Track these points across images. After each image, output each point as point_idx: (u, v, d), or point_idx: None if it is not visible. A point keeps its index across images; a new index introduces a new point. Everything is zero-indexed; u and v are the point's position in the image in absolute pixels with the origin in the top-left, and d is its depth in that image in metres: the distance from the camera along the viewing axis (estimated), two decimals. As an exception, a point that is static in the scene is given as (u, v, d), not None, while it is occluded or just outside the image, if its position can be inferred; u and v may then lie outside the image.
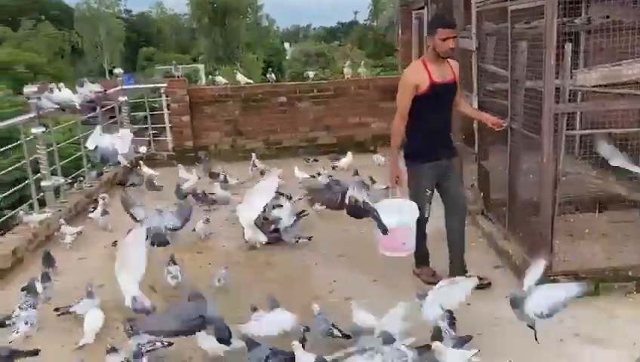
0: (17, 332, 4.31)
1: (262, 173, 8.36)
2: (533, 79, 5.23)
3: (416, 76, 4.76)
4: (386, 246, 4.95)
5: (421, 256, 5.30)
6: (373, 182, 7.93)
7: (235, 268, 5.58)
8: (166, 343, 4.00)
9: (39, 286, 4.79)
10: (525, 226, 5.53)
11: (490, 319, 4.55)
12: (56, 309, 4.71)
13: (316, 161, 9.33)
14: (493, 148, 6.41)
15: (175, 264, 5.14)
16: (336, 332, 4.24)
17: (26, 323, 4.38)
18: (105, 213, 6.73)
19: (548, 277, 4.72)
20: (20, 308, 4.50)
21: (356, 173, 8.15)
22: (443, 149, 5.03)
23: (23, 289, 4.89)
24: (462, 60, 6.98)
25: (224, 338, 3.90)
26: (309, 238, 6.32)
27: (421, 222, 4.98)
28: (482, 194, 6.34)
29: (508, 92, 5.55)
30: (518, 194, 5.65)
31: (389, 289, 5.13)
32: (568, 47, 4.66)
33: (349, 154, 9.26)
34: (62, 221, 6.36)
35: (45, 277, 4.98)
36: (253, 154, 9.27)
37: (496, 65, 6.06)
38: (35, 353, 4.03)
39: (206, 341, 4.01)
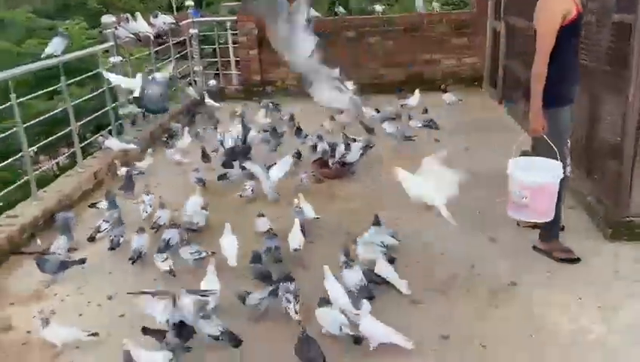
0: (146, 212, 5.25)
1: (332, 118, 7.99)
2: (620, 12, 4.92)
3: (564, 3, 4.08)
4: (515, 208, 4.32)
5: (554, 226, 4.48)
6: (410, 119, 7.80)
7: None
8: (210, 252, 4.45)
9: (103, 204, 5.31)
10: (602, 167, 5.34)
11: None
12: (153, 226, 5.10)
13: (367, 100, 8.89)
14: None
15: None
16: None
17: (150, 205, 5.28)
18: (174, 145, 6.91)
19: (623, 219, 4.60)
20: (104, 221, 4.85)
21: (425, 112, 8.05)
22: (576, 88, 4.46)
23: (90, 206, 5.57)
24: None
25: None
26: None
27: (563, 182, 4.23)
28: (557, 133, 6.09)
29: (592, 26, 5.23)
30: (597, 134, 5.42)
31: (457, 225, 5.12)
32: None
33: (417, 92, 9.03)
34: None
35: (110, 195, 5.43)
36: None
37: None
38: (83, 261, 4.45)
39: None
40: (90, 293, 4.28)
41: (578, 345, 3.50)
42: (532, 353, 3.47)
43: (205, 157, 6.61)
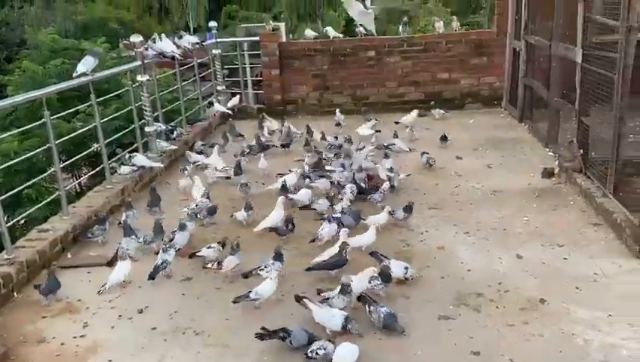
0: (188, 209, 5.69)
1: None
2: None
3: None
4: None
5: None
6: (396, 136, 7.95)
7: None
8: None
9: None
10: (629, 185, 5.36)
11: (589, 274, 4.48)
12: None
13: (377, 120, 8.98)
14: (594, 105, 6.14)
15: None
16: None
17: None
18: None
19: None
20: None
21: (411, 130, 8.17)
22: None
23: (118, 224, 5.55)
24: (565, 10, 6.72)
25: None
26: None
27: None
28: (582, 151, 6.12)
29: (618, 44, 5.27)
30: (623, 152, 5.44)
31: (481, 242, 5.14)
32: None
33: (413, 113, 9.11)
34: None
35: (129, 206, 5.68)
36: (337, 110, 9.30)
37: (604, 16, 5.76)
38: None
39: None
40: (122, 306, 4.34)
41: (610, 362, 3.49)
42: (563, 369, 3.46)
43: (239, 168, 6.82)
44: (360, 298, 4.03)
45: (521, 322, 3.92)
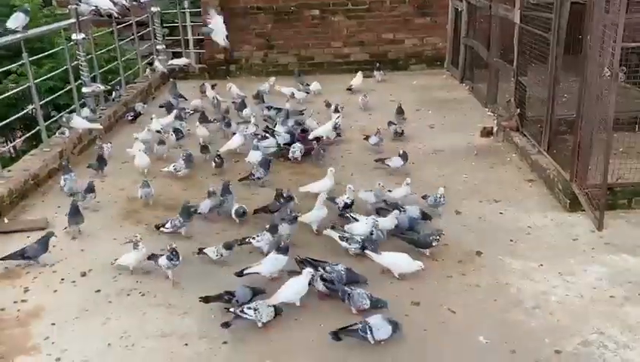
0: None
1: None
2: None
3: None
4: None
5: None
6: (337, 110, 7.49)
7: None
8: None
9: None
10: (561, 142, 5.60)
11: (523, 227, 4.71)
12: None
13: (308, 85, 8.88)
14: (530, 65, 6.33)
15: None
16: None
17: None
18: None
19: (582, 191, 4.82)
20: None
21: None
22: None
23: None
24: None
25: None
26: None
27: None
28: (519, 110, 6.33)
29: (553, 5, 5.43)
30: (556, 111, 5.66)
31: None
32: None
33: (359, 74, 9.16)
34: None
35: (67, 170, 5.48)
36: (272, 79, 9.03)
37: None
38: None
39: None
40: (64, 271, 4.26)
41: (540, 308, 3.70)
42: (498, 316, 3.66)
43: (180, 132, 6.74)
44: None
45: (459, 273, 4.10)
